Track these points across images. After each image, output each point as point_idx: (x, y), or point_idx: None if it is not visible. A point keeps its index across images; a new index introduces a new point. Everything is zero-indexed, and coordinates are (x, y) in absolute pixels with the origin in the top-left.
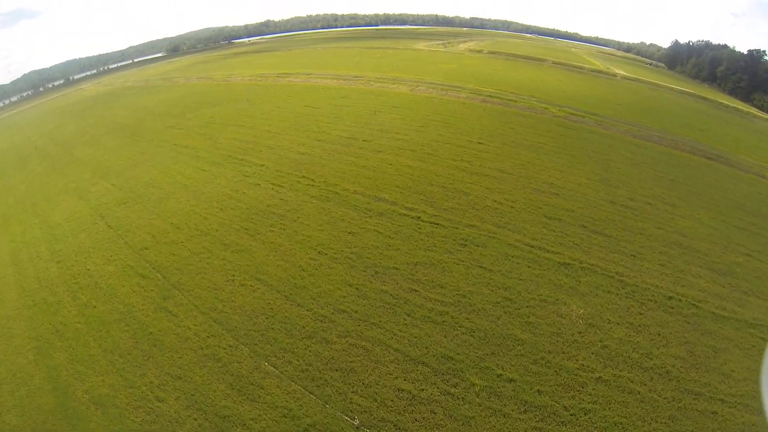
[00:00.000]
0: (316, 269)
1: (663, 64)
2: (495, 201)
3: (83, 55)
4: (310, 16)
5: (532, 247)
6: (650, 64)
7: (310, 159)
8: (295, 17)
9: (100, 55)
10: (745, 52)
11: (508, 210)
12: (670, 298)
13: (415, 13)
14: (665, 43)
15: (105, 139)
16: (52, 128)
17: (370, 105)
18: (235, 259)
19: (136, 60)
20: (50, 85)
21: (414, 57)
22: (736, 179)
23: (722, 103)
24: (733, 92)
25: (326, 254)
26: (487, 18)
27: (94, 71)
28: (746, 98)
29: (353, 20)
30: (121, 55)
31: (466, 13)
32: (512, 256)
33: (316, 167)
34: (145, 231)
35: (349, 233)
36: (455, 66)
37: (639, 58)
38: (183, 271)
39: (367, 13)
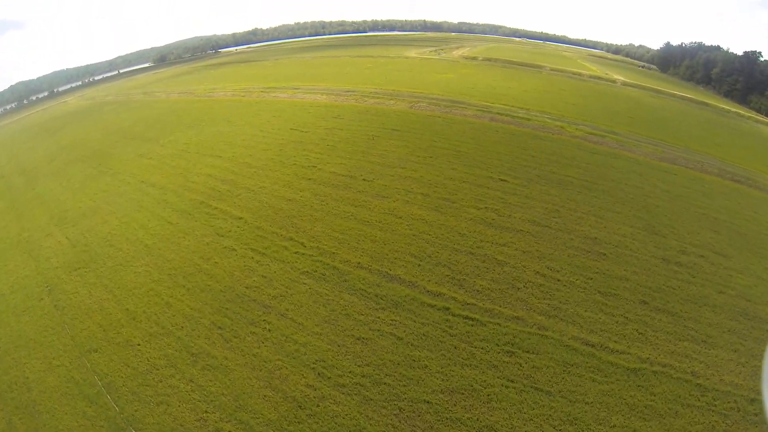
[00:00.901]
0: (318, 405)
1: (655, 66)
2: (537, 273)
3: (71, 66)
4: (298, 23)
5: (593, 346)
6: (642, 67)
7: (299, 209)
8: (283, 25)
9: (87, 65)
10: (740, 54)
11: (555, 286)
12: (753, 401)
13: (403, 19)
14: (653, 44)
15: (71, 168)
16: (23, 151)
17: (366, 128)
18: (206, 383)
19: (122, 71)
20: (34, 98)
21: (407, 66)
22: None
23: (724, 108)
24: (728, 94)
25: (329, 378)
26: (475, 22)
27: (80, 83)
28: (742, 100)
29: (341, 27)
30: (109, 65)
31: (454, 18)
32: (572, 365)
33: (306, 223)
34: (95, 320)
35: (357, 339)
36: (453, 76)
37: (630, 60)
38: (140, 397)
39: (355, 19)
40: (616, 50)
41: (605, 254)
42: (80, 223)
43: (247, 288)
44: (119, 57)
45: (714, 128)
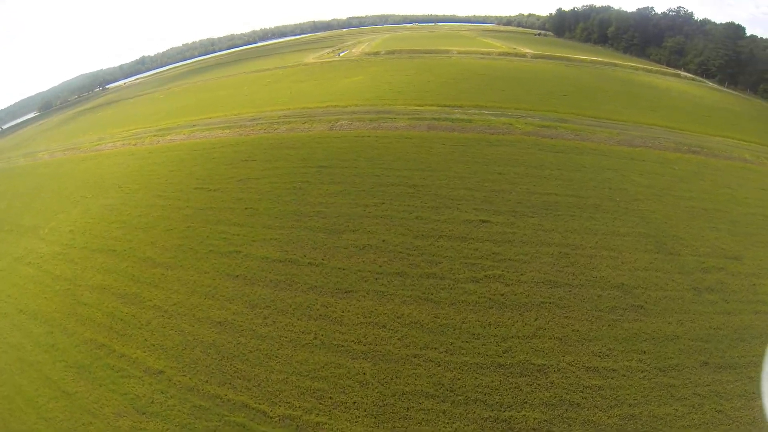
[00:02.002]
0: None
1: (550, 33)
2: (588, 369)
3: None
4: (186, 44)
5: None
6: (538, 35)
7: (237, 341)
8: (171, 48)
9: None
10: (634, 11)
11: (614, 382)
12: None
13: (293, 23)
14: (540, 11)
15: None
16: None
17: (287, 170)
18: None
19: (5, 127)
20: None
21: (310, 74)
22: (738, 178)
23: (632, 65)
24: (627, 50)
25: None
26: (364, 15)
27: None
28: (641, 53)
29: (231, 41)
30: None
31: (342, 14)
32: None
33: (256, 368)
34: None
35: None
36: (363, 78)
37: (524, 30)
38: None
39: (243, 32)
40: (507, 22)
41: (642, 306)
42: None
43: None
44: (1, 110)
45: (638, 91)
